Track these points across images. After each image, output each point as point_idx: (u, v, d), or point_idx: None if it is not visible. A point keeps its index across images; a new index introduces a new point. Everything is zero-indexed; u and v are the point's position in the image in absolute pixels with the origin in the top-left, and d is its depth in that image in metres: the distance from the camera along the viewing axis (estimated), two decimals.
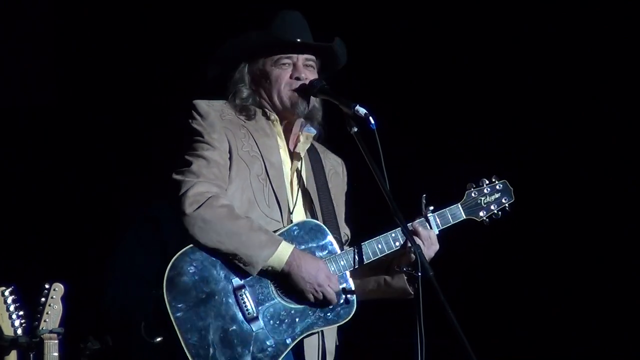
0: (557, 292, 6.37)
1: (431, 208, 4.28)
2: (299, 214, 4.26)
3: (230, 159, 4.19)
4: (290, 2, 4.41)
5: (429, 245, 4.20)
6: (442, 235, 4.30)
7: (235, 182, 4.18)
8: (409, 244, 4.03)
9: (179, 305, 4.03)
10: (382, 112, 4.12)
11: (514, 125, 6.34)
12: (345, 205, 4.45)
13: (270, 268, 4.08)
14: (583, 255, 6.33)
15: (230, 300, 4.06)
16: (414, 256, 4.07)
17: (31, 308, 4.63)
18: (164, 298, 4.04)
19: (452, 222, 4.33)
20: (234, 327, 4.05)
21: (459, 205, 4.35)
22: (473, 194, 4.38)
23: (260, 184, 4.20)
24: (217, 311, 4.05)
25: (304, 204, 4.29)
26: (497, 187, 4.44)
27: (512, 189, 4.46)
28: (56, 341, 4.59)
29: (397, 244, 4.22)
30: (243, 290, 4.07)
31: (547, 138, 6.37)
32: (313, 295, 4.10)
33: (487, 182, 4.43)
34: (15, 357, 4.63)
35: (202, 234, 4.05)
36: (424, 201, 4.24)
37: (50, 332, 4.58)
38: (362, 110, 4.09)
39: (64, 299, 4.63)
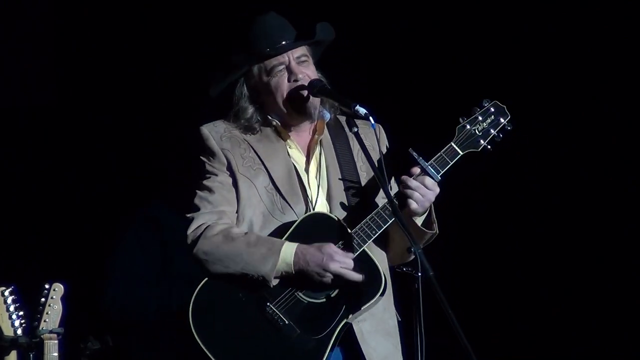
0: (556, 292, 6.37)
1: (421, 157, 4.14)
2: (322, 208, 4.21)
3: (233, 177, 4.19)
4: (288, 2, 4.40)
5: (424, 192, 4.09)
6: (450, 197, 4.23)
7: (243, 201, 4.18)
8: (409, 244, 3.99)
9: (213, 343, 4.04)
10: (381, 111, 4.11)
11: (514, 124, 6.33)
12: (390, 170, 4.31)
13: (283, 273, 4.06)
14: (582, 255, 6.33)
15: (259, 319, 4.06)
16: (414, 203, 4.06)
17: (31, 308, 4.63)
18: (197, 340, 4.04)
19: (451, 162, 4.16)
20: (273, 344, 4.05)
21: (452, 144, 4.18)
22: (466, 127, 4.21)
23: (270, 194, 4.19)
24: (252, 335, 4.05)
25: (327, 196, 4.24)
26: (490, 110, 4.25)
27: (504, 106, 4.26)
28: (56, 341, 4.59)
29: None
30: (268, 304, 4.07)
31: (547, 138, 6.37)
32: (332, 283, 4.05)
33: (478, 109, 4.24)
34: (15, 357, 4.63)
35: (208, 266, 4.11)
36: (414, 153, 4.13)
37: (50, 332, 4.58)
38: (362, 110, 4.06)
39: (63, 299, 4.63)
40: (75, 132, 6.72)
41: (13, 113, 6.70)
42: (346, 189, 4.24)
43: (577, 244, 6.32)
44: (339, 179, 4.26)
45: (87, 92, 6.77)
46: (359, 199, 4.24)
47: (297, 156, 4.28)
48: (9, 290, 4.64)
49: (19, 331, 4.62)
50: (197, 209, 4.18)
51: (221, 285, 4.09)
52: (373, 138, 4.22)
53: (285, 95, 4.21)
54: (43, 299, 4.61)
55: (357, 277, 4.06)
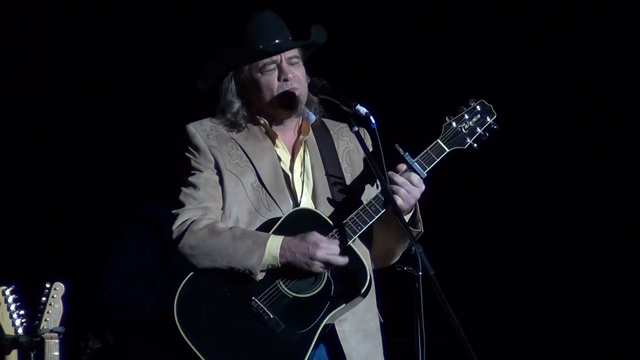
0: (557, 291, 6.39)
1: (407, 153, 4.17)
2: (307, 206, 4.23)
3: (220, 174, 4.20)
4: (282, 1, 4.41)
5: (410, 189, 4.11)
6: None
7: (230, 197, 4.19)
8: (409, 242, 4.00)
9: (198, 337, 4.03)
10: (379, 107, 4.12)
11: (511, 124, 6.35)
12: (377, 173, 4.25)
13: (269, 266, 4.07)
14: (583, 254, 6.35)
15: (245, 314, 4.06)
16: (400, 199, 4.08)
17: (32, 307, 4.64)
18: (181, 334, 4.03)
19: (437, 159, 4.19)
20: (256, 338, 4.05)
21: (439, 141, 4.22)
22: (452, 125, 4.25)
23: (256, 191, 4.20)
24: (237, 329, 4.05)
25: (312, 195, 4.26)
26: (476, 108, 4.29)
27: (490, 105, 4.31)
28: (57, 340, 4.60)
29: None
30: (253, 298, 4.07)
31: (546, 138, 6.39)
32: (322, 269, 4.07)
33: (465, 107, 4.29)
34: (16, 357, 4.64)
35: (194, 260, 4.11)
36: (400, 149, 4.16)
37: (51, 331, 4.59)
38: (362, 110, 4.06)
39: (64, 298, 4.64)
40: (75, 132, 6.73)
41: (13, 113, 6.70)
42: (331, 189, 4.26)
43: (577, 242, 6.34)
44: (324, 179, 4.28)
45: (86, 92, 6.78)
46: (344, 199, 4.25)
47: (283, 155, 4.30)
48: (9, 289, 4.64)
49: (20, 330, 4.63)
50: (181, 205, 4.19)
51: (206, 280, 4.09)
52: (356, 140, 4.27)
53: (274, 94, 4.22)
54: (44, 298, 4.62)
55: (344, 261, 4.07)
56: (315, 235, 4.07)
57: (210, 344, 4.04)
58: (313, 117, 4.31)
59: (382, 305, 4.34)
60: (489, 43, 6.42)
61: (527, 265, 6.42)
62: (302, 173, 4.29)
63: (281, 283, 4.10)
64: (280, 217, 4.15)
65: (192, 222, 4.13)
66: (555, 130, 6.36)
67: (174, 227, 4.15)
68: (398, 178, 4.12)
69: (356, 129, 4.14)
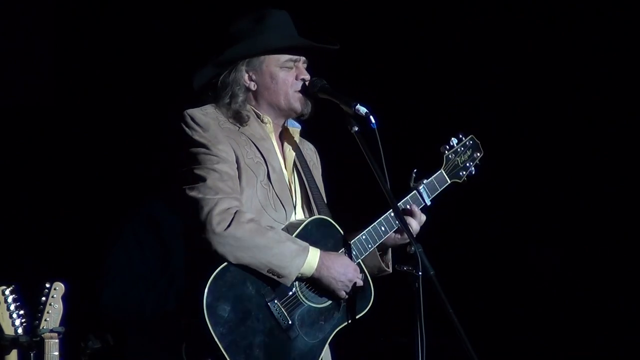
0: (557, 291, 6.39)
1: (425, 181, 4.33)
2: (299, 211, 4.27)
3: (238, 169, 4.14)
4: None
5: (420, 222, 4.28)
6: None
7: (246, 192, 4.14)
8: (410, 245, 4.02)
9: (223, 331, 4.00)
10: (379, 107, 4.13)
11: (511, 124, 6.36)
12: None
13: (300, 275, 4.08)
14: (583, 255, 6.35)
15: (265, 315, 4.06)
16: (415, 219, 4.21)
17: (32, 307, 4.64)
18: (207, 325, 3.98)
19: (440, 189, 4.37)
20: (274, 340, 4.06)
21: (442, 171, 4.40)
22: (450, 156, 4.42)
23: (264, 189, 4.18)
24: (256, 328, 4.04)
25: (301, 200, 4.29)
26: (467, 143, 4.49)
27: (479, 142, 4.50)
28: (57, 340, 4.60)
29: (397, 222, 4.26)
30: (274, 301, 4.07)
31: (546, 138, 6.39)
32: (345, 291, 4.13)
33: (457, 140, 4.47)
34: (15, 357, 4.63)
35: (234, 251, 4.00)
36: (414, 175, 4.28)
37: (51, 331, 4.59)
38: (362, 110, 4.09)
39: (64, 298, 4.64)
40: (75, 132, 6.73)
41: (13, 113, 6.71)
42: (313, 196, 4.31)
43: (576, 242, 6.34)
44: (307, 185, 4.32)
45: (86, 92, 6.78)
46: (323, 209, 4.31)
47: (280, 157, 4.31)
48: (9, 289, 4.64)
49: (20, 330, 4.63)
50: (213, 191, 4.02)
51: (233, 274, 4.02)
52: (314, 155, 4.42)
53: (289, 90, 4.23)
54: (44, 298, 4.62)
55: (360, 284, 4.17)
56: (347, 257, 4.17)
57: (231, 339, 4.01)
58: (298, 126, 4.35)
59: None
60: (489, 43, 6.42)
61: (527, 265, 6.42)
62: (293, 178, 4.31)
63: (298, 290, 4.12)
64: (301, 222, 4.18)
65: (237, 212, 4.03)
66: (555, 130, 6.36)
67: (215, 212, 3.99)
68: (414, 223, 4.25)
69: (356, 128, 4.15)
